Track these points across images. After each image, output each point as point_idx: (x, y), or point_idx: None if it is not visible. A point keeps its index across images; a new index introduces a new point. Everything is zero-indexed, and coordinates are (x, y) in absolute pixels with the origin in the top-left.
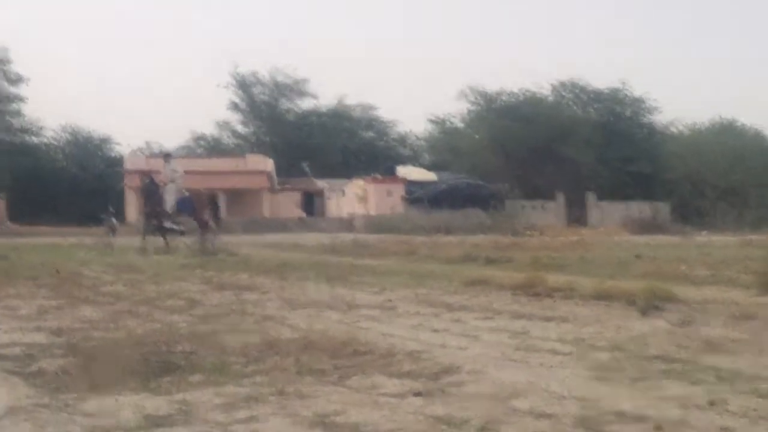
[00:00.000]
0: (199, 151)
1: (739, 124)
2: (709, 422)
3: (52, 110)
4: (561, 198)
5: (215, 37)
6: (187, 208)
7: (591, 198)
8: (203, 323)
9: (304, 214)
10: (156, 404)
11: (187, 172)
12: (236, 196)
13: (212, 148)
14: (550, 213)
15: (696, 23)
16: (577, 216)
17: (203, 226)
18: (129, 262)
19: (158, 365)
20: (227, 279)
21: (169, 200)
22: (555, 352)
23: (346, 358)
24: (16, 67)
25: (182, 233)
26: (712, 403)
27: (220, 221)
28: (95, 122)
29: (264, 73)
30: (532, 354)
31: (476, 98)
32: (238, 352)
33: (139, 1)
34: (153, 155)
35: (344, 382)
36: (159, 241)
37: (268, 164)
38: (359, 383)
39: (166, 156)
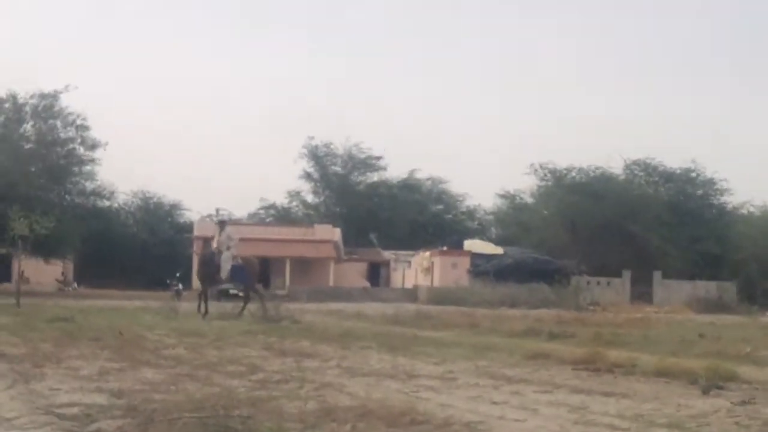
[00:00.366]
0: (268, 219)
1: None
2: None
3: (125, 175)
4: (627, 275)
5: (291, 105)
6: (239, 276)
7: (657, 276)
8: (262, 389)
9: (368, 284)
10: None
11: (254, 240)
12: (303, 264)
13: (282, 216)
14: (615, 290)
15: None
16: (641, 293)
17: (254, 293)
18: (193, 326)
19: (215, 429)
20: (289, 346)
21: (225, 267)
22: (613, 428)
23: (403, 428)
24: (94, 133)
25: (246, 298)
26: None
27: (268, 287)
28: (167, 188)
29: (337, 145)
30: (590, 428)
31: (546, 174)
32: (296, 418)
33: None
34: (221, 222)
35: None
36: (224, 306)
37: (336, 234)
38: None
39: (221, 222)
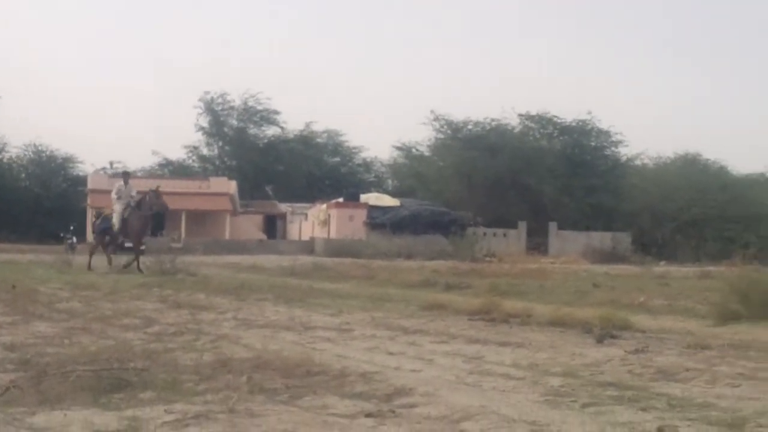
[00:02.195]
0: (163, 172)
1: (703, 158)
2: None
3: (16, 128)
4: (523, 226)
5: (187, 58)
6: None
7: (552, 227)
8: (157, 341)
9: (265, 237)
10: (105, 420)
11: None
12: (198, 217)
13: (178, 170)
14: (511, 241)
15: (666, 60)
16: (537, 244)
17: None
18: (87, 280)
19: (110, 382)
20: (184, 298)
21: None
22: (508, 377)
23: (299, 379)
24: None
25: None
26: (661, 430)
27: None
28: (61, 142)
29: (234, 98)
30: (485, 378)
31: (442, 126)
32: (191, 370)
33: (112, 20)
34: (116, 175)
35: (295, 401)
36: (118, 260)
37: (231, 187)
38: (310, 403)
39: (125, 174)
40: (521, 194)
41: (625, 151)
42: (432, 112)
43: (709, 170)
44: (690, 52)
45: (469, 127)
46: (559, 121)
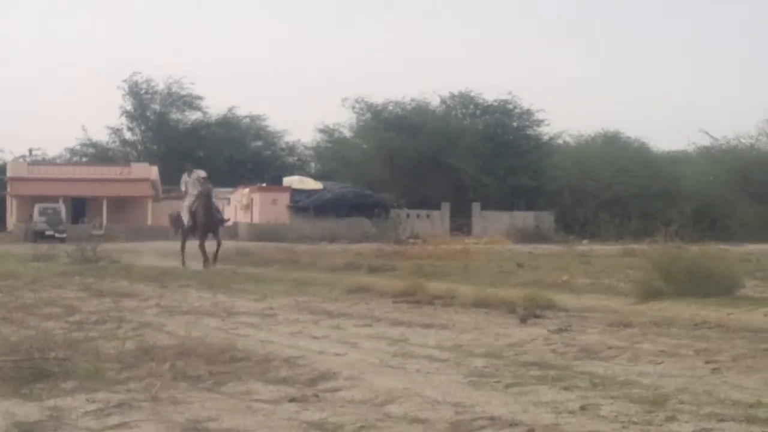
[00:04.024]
0: (84, 159)
1: (624, 135)
2: (580, 427)
3: None
4: (446, 207)
5: (111, 42)
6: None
7: (476, 208)
8: (79, 330)
9: None
10: (27, 410)
11: (69, 180)
12: (120, 204)
13: (100, 155)
14: (435, 222)
15: (586, 38)
16: (461, 225)
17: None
18: (6, 268)
19: (31, 372)
20: (107, 286)
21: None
22: (432, 359)
23: (223, 365)
24: None
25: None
26: (584, 408)
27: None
28: None
29: (158, 82)
30: (409, 360)
31: (362, 108)
32: (114, 358)
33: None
34: (35, 163)
35: (219, 388)
36: (39, 248)
37: (153, 172)
38: (234, 389)
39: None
40: (444, 175)
41: (547, 131)
42: (347, 99)
43: (630, 148)
44: (610, 31)
45: (390, 108)
46: (480, 101)
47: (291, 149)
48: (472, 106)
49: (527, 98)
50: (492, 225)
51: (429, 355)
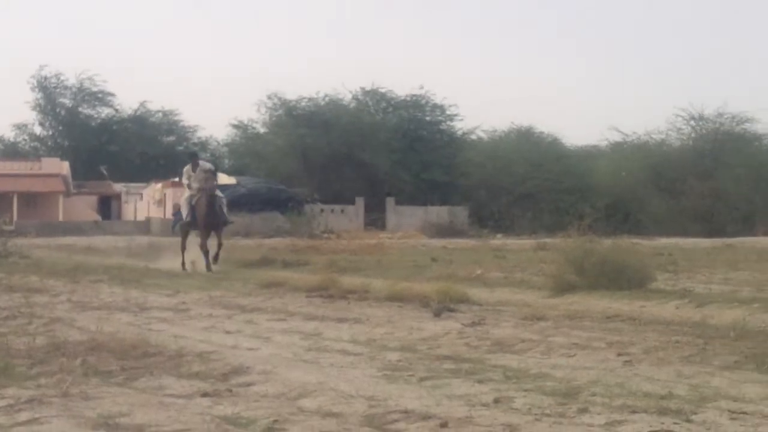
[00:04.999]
0: None
1: (537, 131)
2: (493, 419)
3: None
4: (360, 202)
5: (22, 39)
6: None
7: (390, 202)
8: None
9: (99, 218)
10: None
11: None
12: (30, 199)
13: (8, 150)
14: (349, 217)
15: (500, 37)
16: (375, 220)
17: None
18: None
19: None
20: (17, 281)
21: None
22: (346, 353)
23: (135, 360)
24: None
25: None
26: (497, 401)
27: None
28: None
29: (68, 77)
30: (323, 354)
31: (276, 104)
32: (24, 354)
33: None
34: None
35: (131, 383)
36: None
37: (64, 167)
38: (146, 384)
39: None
40: (358, 170)
41: (460, 126)
42: (260, 101)
43: (544, 143)
44: (522, 27)
45: (303, 104)
46: (392, 96)
47: (204, 145)
48: (384, 102)
49: (440, 93)
50: (406, 220)
51: (342, 349)
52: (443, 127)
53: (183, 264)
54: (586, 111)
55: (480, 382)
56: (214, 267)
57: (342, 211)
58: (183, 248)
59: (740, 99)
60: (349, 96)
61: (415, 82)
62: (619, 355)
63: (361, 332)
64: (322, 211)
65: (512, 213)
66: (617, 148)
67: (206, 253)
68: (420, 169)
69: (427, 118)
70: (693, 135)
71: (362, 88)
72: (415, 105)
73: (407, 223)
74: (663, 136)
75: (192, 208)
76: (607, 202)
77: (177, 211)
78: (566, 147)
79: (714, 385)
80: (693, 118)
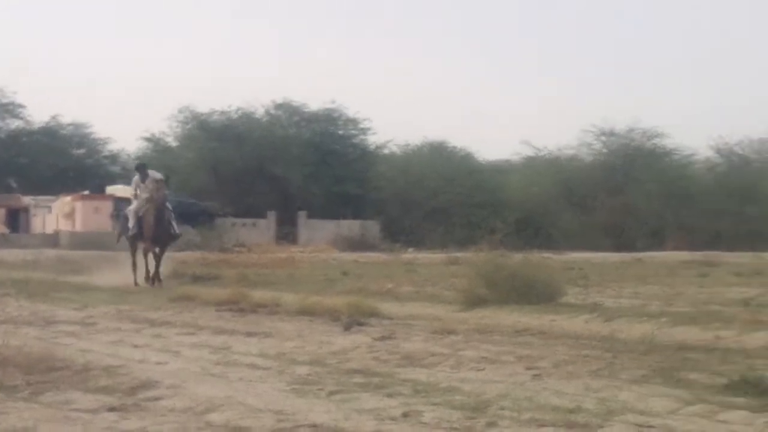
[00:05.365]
0: None
1: (449, 146)
2: None
3: None
4: (272, 216)
5: None
6: None
7: (302, 216)
8: None
9: (7, 231)
10: None
11: None
12: None
13: None
14: (261, 231)
15: (411, 53)
16: (287, 234)
17: None
18: None
19: None
20: None
21: None
22: (255, 367)
23: (41, 374)
24: None
25: None
26: (406, 415)
27: None
28: None
29: None
30: (232, 369)
31: (187, 117)
32: None
33: None
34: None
35: (37, 397)
36: None
37: None
38: (53, 399)
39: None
40: (270, 184)
41: (373, 140)
42: (171, 115)
43: (456, 158)
44: (433, 43)
45: (215, 117)
46: (305, 109)
47: (114, 158)
48: (297, 116)
49: (353, 107)
50: (318, 233)
51: (252, 363)
52: (356, 140)
53: (135, 281)
54: (498, 126)
55: (389, 396)
56: (159, 284)
57: (254, 224)
58: (134, 264)
59: (651, 114)
60: (262, 110)
61: (328, 95)
62: (528, 368)
63: (270, 346)
64: (233, 224)
65: (424, 227)
66: (529, 163)
67: (151, 264)
68: (332, 183)
69: (340, 132)
70: (604, 150)
71: (274, 101)
72: (328, 119)
73: (319, 237)
74: (574, 152)
75: (139, 219)
76: (518, 217)
77: (123, 223)
78: (479, 162)
79: (622, 399)
80: (604, 133)
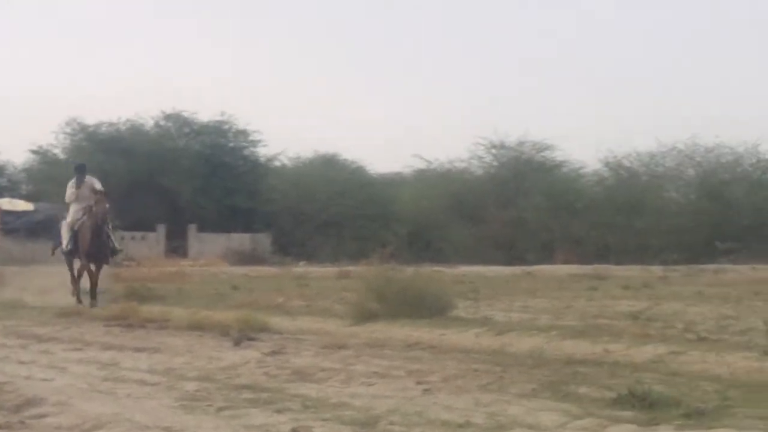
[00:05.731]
0: None
1: (341, 158)
2: None
3: None
4: (162, 229)
5: None
6: None
7: (192, 229)
8: None
9: None
10: None
11: None
12: None
13: None
14: (150, 244)
15: (303, 64)
16: (177, 247)
17: None
18: None
19: None
20: None
21: None
22: (144, 383)
23: None
24: None
25: None
26: (295, 431)
27: None
28: None
29: None
30: (120, 385)
31: (75, 129)
32: None
33: None
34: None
35: None
36: None
37: None
38: None
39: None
40: (159, 196)
41: (264, 152)
42: (59, 126)
43: (348, 170)
44: (325, 53)
45: (103, 129)
46: (195, 121)
47: (1, 170)
48: (186, 128)
49: (243, 119)
50: (208, 247)
51: (140, 379)
52: (246, 153)
53: (78, 297)
54: (390, 139)
55: (278, 411)
56: (95, 304)
57: (143, 238)
58: (73, 279)
59: (541, 127)
60: (151, 121)
61: (219, 106)
62: (418, 383)
63: (159, 362)
64: (122, 238)
65: (316, 240)
66: (420, 176)
67: (92, 283)
68: (223, 196)
69: (231, 144)
70: (495, 163)
71: (164, 113)
72: (218, 131)
73: (209, 251)
74: (465, 164)
75: (74, 234)
76: (409, 230)
77: (57, 235)
78: (370, 174)
79: (511, 413)
80: (495, 146)
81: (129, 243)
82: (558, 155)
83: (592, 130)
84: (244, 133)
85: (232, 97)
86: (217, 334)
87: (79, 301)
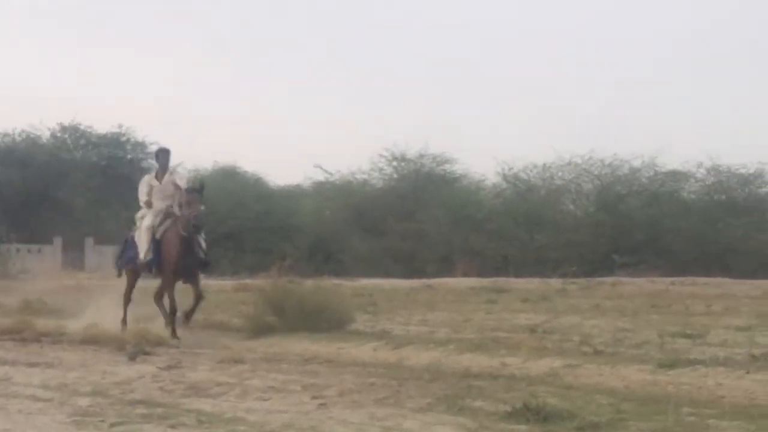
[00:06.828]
0: None
1: (241, 170)
2: None
3: None
4: (58, 242)
5: None
6: None
7: (89, 242)
8: None
9: None
10: None
11: None
12: None
13: None
14: (46, 257)
15: (202, 77)
16: (74, 260)
17: None
18: None
19: None
20: None
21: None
22: (36, 398)
23: None
24: None
25: None
26: None
27: None
28: None
29: None
30: (11, 401)
31: None
32: None
33: None
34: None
35: None
36: None
37: None
38: None
39: (161, 153)
40: (55, 209)
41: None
42: None
43: (247, 182)
44: (230, 67)
45: None
46: (93, 133)
47: None
48: (83, 140)
49: (142, 131)
50: (107, 260)
51: (33, 394)
52: (144, 165)
53: (124, 320)
54: (290, 150)
55: (172, 427)
56: (182, 330)
57: (39, 250)
58: (126, 299)
59: (442, 139)
60: (48, 132)
61: (116, 118)
62: (314, 398)
63: (52, 377)
64: (18, 250)
65: (215, 253)
66: (320, 188)
67: (173, 311)
68: (121, 208)
69: (129, 156)
70: (395, 176)
71: (60, 124)
72: (116, 142)
73: (108, 263)
74: (366, 177)
75: (156, 244)
76: (309, 242)
77: (126, 247)
78: (270, 186)
79: (406, 428)
80: (396, 158)
81: (25, 256)
82: (458, 168)
83: (491, 142)
84: (142, 144)
85: (131, 109)
86: (113, 348)
87: (125, 323)
